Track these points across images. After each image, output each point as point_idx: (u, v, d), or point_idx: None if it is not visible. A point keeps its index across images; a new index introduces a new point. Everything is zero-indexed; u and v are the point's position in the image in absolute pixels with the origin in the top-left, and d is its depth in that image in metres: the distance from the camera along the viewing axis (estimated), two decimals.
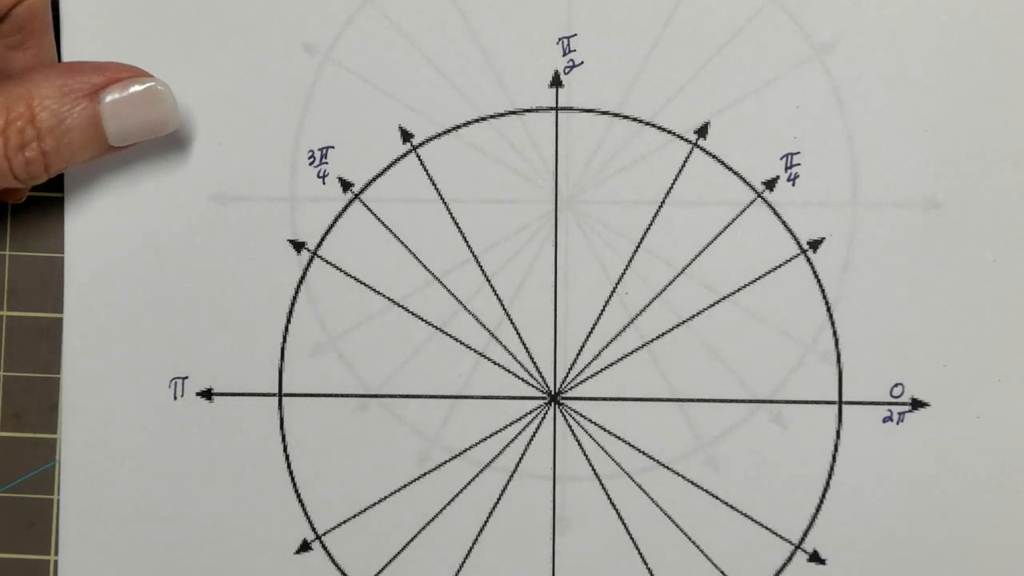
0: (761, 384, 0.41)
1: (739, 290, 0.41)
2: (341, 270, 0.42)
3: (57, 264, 0.43)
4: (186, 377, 0.42)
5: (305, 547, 0.42)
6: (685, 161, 0.41)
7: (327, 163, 0.42)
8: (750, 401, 0.41)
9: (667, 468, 0.41)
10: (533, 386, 0.42)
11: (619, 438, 0.41)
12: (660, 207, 0.41)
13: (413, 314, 0.42)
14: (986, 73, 0.41)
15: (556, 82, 0.42)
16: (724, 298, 0.41)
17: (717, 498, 0.41)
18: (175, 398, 0.42)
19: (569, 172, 0.42)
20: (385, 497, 0.42)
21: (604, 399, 0.41)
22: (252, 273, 0.42)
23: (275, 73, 0.42)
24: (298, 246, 0.42)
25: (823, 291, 0.41)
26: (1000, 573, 0.41)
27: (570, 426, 0.41)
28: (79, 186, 0.42)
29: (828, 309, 0.41)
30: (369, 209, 0.42)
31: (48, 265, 0.43)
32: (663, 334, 0.41)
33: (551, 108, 0.42)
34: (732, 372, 0.41)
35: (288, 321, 0.42)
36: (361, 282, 0.42)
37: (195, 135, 0.42)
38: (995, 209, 0.41)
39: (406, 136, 0.42)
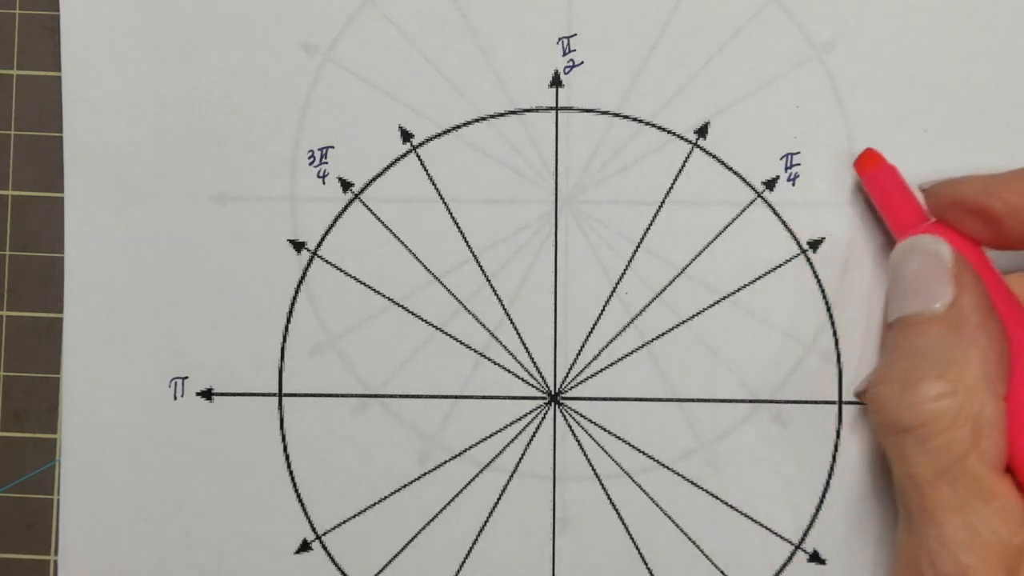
0: (761, 384, 0.41)
1: (739, 290, 0.41)
2: (341, 270, 0.42)
3: (56, 264, 0.43)
4: (186, 377, 0.42)
5: (305, 547, 0.42)
6: (685, 161, 0.41)
7: (327, 163, 0.42)
8: (750, 401, 0.41)
9: (667, 468, 0.41)
10: (533, 386, 0.42)
11: (619, 438, 0.41)
12: (660, 207, 0.41)
13: (413, 314, 0.42)
14: (986, 73, 0.41)
15: (556, 82, 0.42)
16: (724, 298, 0.41)
17: (717, 498, 0.41)
18: (175, 398, 0.42)
19: (569, 172, 0.42)
20: (385, 497, 0.42)
21: (604, 399, 0.41)
22: (252, 273, 0.42)
23: (275, 73, 0.42)
24: (298, 246, 0.42)
25: (823, 291, 0.41)
26: None
27: (570, 426, 0.41)
28: (79, 186, 0.42)
29: (828, 309, 0.41)
30: (369, 209, 0.42)
31: (47, 265, 0.43)
32: (663, 334, 0.41)
33: (551, 108, 0.42)
34: (732, 372, 0.41)
35: (288, 321, 0.42)
36: (361, 282, 0.42)
37: (195, 135, 0.42)
38: None
39: (406, 136, 0.42)
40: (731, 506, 0.41)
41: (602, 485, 0.41)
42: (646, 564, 0.41)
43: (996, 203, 0.35)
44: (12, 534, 0.43)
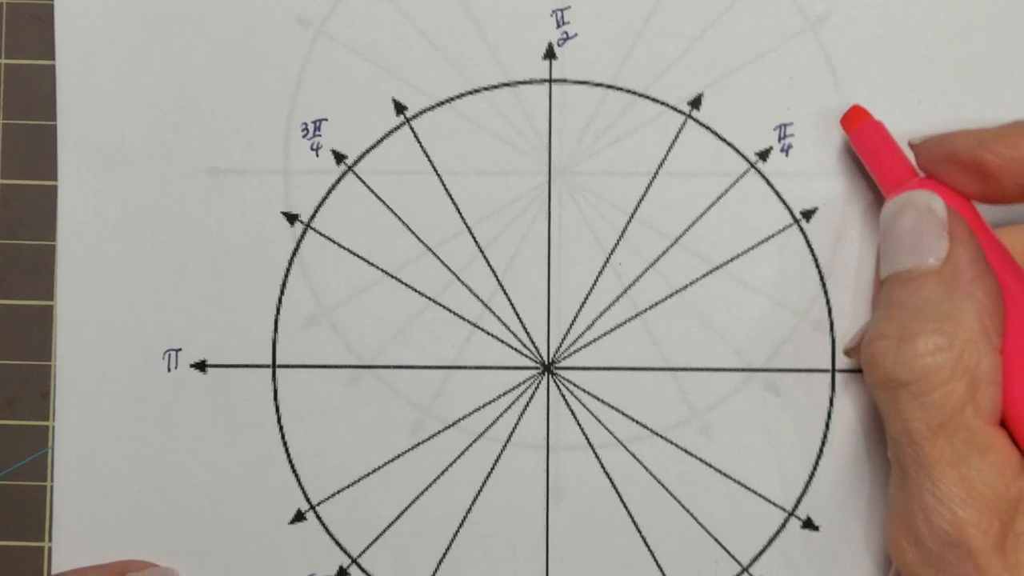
0: (754, 353, 0.41)
1: (732, 260, 0.41)
2: (335, 242, 0.42)
3: (46, 252, 0.43)
4: (180, 349, 0.42)
5: (299, 517, 0.42)
6: (678, 132, 0.42)
7: (320, 135, 0.42)
8: (743, 370, 0.41)
9: (660, 437, 0.41)
10: (526, 356, 0.42)
11: (612, 407, 0.41)
12: (653, 178, 0.41)
13: (406, 285, 0.42)
14: (979, 44, 0.41)
15: (550, 54, 0.42)
16: (717, 268, 0.41)
17: (711, 466, 0.41)
18: (169, 370, 0.42)
19: (562, 144, 0.42)
20: (379, 467, 0.42)
21: (597, 369, 0.41)
22: (246, 245, 0.42)
23: (269, 46, 0.42)
24: (292, 218, 0.42)
25: (816, 261, 0.41)
26: None
27: (563, 396, 0.41)
28: (73, 162, 0.42)
29: (821, 278, 0.41)
30: (363, 181, 0.42)
31: (37, 253, 0.43)
32: (656, 304, 0.41)
33: (545, 80, 0.42)
34: (725, 341, 0.41)
35: (282, 293, 0.42)
36: (355, 254, 0.42)
37: (189, 109, 0.42)
38: None
39: (399, 108, 0.42)
40: (724, 474, 0.41)
41: (595, 454, 0.41)
42: (640, 532, 0.41)
43: (989, 156, 0.35)
44: (6, 522, 0.43)
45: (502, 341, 0.42)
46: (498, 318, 0.42)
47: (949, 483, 0.32)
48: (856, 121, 0.39)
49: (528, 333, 0.42)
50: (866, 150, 0.39)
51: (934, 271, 0.34)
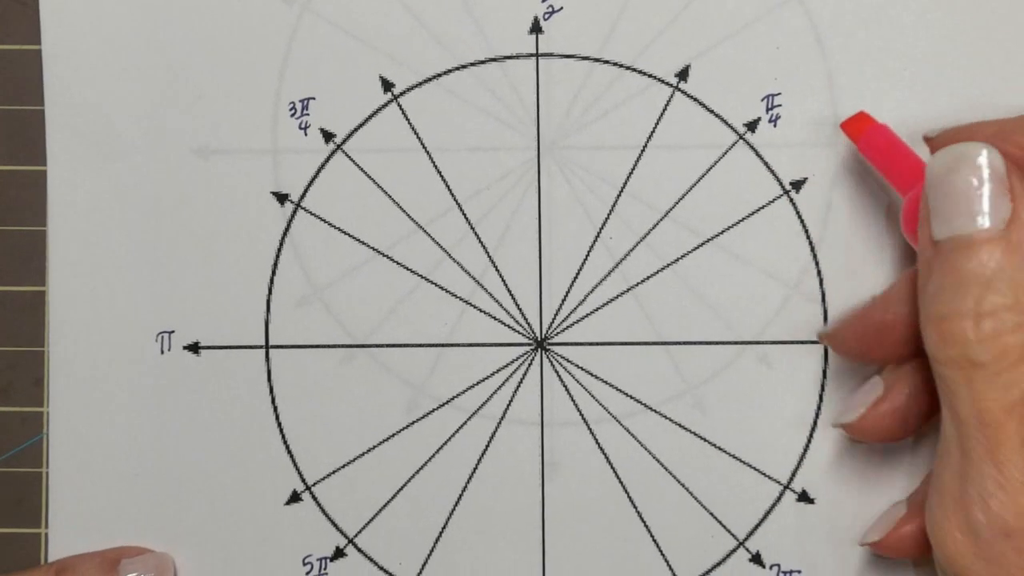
0: (747, 326, 0.41)
1: (723, 232, 0.41)
2: (325, 221, 0.42)
3: (36, 237, 0.42)
4: (172, 331, 0.42)
5: (295, 498, 0.42)
6: (666, 105, 0.41)
7: (308, 114, 0.42)
8: (736, 343, 0.41)
9: (654, 411, 0.41)
10: (519, 332, 0.42)
11: (606, 382, 0.41)
12: (642, 151, 0.41)
13: (398, 263, 0.42)
14: (967, 10, 0.41)
15: (536, 28, 0.42)
16: (708, 240, 0.41)
17: (705, 440, 0.41)
18: (162, 352, 0.42)
19: (551, 118, 0.42)
20: (374, 446, 0.42)
21: (590, 344, 0.41)
22: (236, 226, 0.42)
23: (254, 25, 0.42)
24: (281, 198, 0.42)
25: (807, 231, 0.41)
26: None
27: (557, 371, 0.41)
28: (61, 145, 0.42)
29: (812, 249, 0.41)
30: (352, 159, 0.42)
31: (27, 239, 0.43)
32: (648, 278, 0.41)
33: (531, 55, 0.42)
34: (717, 314, 0.41)
35: (273, 273, 0.42)
36: (345, 233, 0.42)
37: (176, 89, 0.42)
38: None
39: (387, 86, 0.42)
40: (719, 448, 0.41)
41: (590, 430, 0.41)
42: (635, 507, 0.41)
43: (1012, 149, 0.33)
44: (2, 509, 0.43)
45: (494, 318, 0.42)
46: (490, 295, 0.42)
47: (1014, 469, 0.30)
48: (861, 128, 0.38)
49: (520, 309, 0.42)
50: (874, 155, 0.38)
51: (998, 236, 0.31)
